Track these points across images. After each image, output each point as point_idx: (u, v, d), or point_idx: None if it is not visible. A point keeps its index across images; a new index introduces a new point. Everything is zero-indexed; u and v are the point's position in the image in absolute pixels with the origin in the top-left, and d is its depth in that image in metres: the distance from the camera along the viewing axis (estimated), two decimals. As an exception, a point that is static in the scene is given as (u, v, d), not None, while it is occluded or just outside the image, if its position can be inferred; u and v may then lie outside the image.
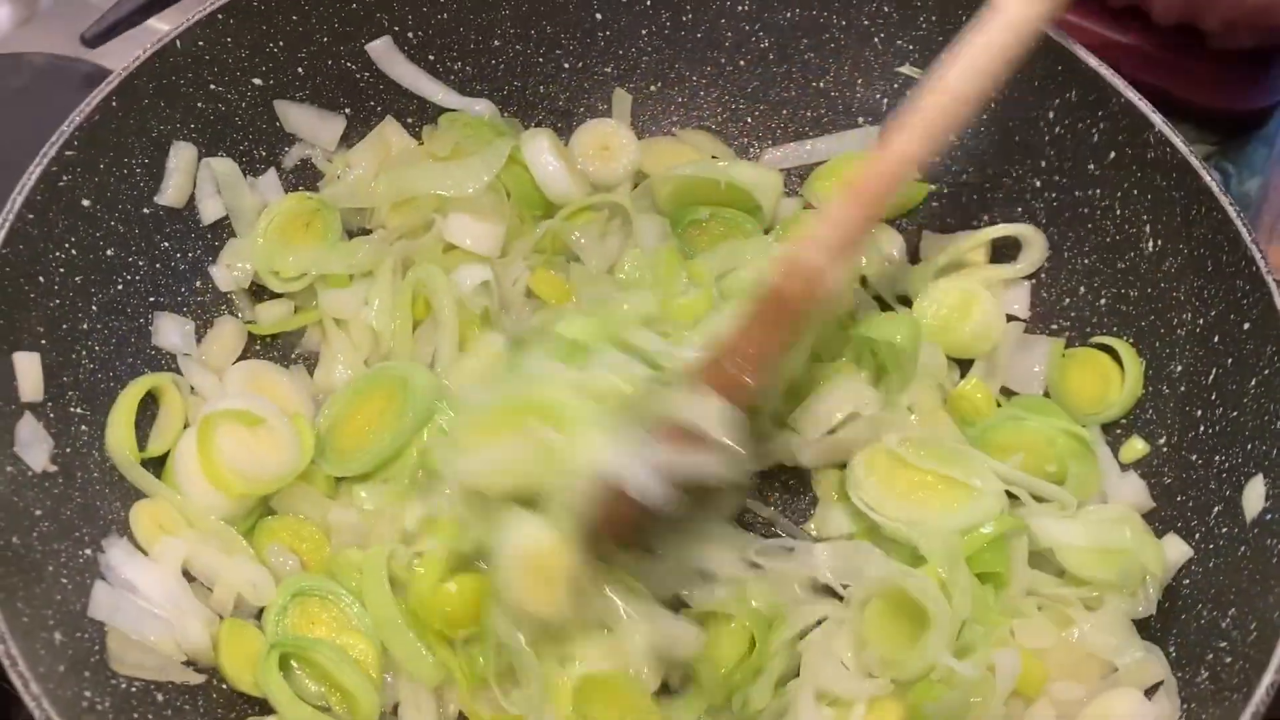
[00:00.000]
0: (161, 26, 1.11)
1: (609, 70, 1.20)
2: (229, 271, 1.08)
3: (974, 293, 1.07)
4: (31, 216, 0.93)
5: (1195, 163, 0.98)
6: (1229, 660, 0.84)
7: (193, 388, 1.04)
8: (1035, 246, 1.10)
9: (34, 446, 0.90)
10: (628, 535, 0.90)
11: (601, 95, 1.21)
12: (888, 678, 0.88)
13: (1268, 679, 0.78)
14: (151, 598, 0.91)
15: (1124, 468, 1.02)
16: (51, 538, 0.88)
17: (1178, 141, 0.99)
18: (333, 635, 0.94)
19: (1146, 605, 0.93)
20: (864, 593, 0.93)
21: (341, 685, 0.91)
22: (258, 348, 1.10)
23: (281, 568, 0.97)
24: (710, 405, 0.87)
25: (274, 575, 0.96)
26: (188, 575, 0.95)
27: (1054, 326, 1.10)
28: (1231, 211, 0.95)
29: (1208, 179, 0.97)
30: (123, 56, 1.00)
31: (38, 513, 0.88)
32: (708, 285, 1.05)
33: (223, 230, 1.10)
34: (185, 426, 1.01)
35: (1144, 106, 1.01)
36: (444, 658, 0.92)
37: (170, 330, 1.04)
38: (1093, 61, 1.04)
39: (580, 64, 1.19)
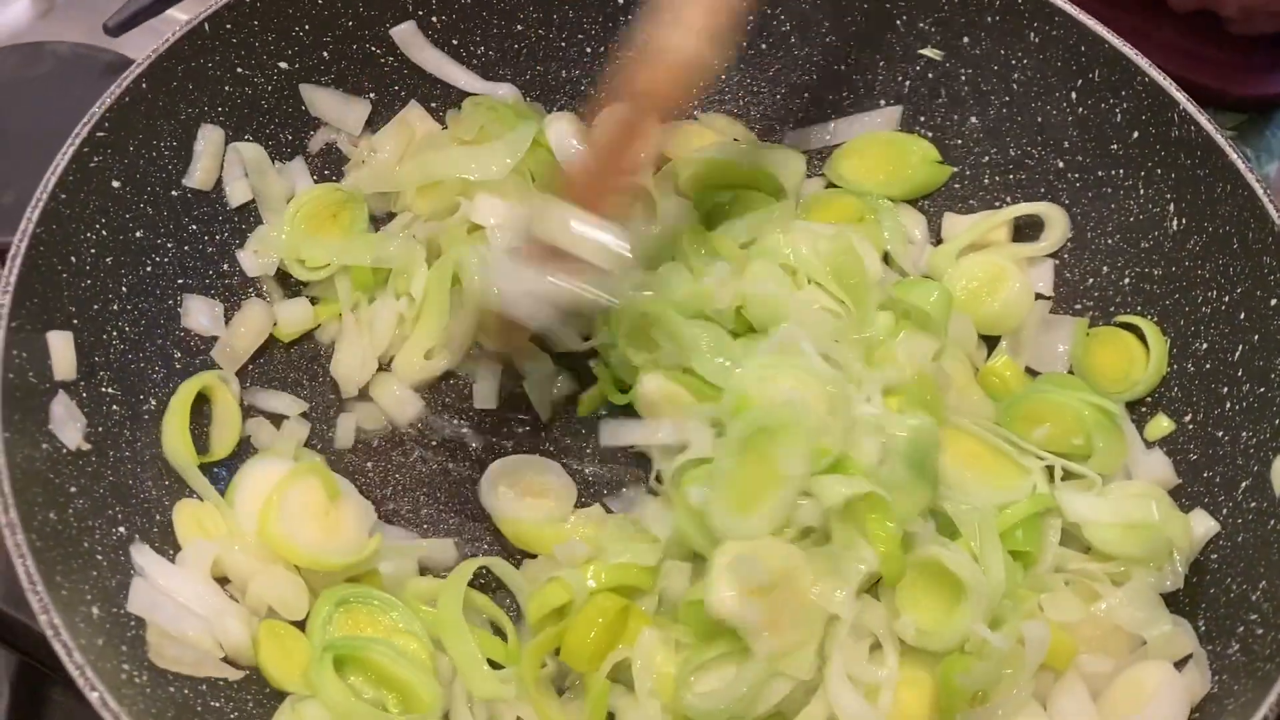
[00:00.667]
0: (181, 16, 1.12)
1: (631, 54, 1.21)
2: (256, 257, 1.09)
3: (1003, 268, 1.08)
4: (64, 196, 0.93)
5: (1220, 140, 0.98)
6: (1260, 632, 0.84)
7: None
8: (1058, 224, 1.10)
9: (68, 425, 0.91)
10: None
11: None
12: (923, 647, 0.88)
13: (1301, 647, 0.78)
14: (186, 597, 0.90)
15: (1149, 445, 1.02)
16: (86, 514, 0.89)
17: (1202, 119, 0.99)
18: (385, 637, 0.93)
19: (1174, 580, 0.93)
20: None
21: (400, 680, 0.89)
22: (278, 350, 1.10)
23: (317, 581, 0.95)
24: (585, 225, 0.86)
25: (310, 589, 0.95)
26: (221, 579, 0.94)
27: (1078, 306, 1.11)
28: (1258, 189, 0.96)
29: (1233, 156, 0.97)
30: (144, 46, 1.01)
31: (72, 490, 0.89)
32: (733, 256, 1.05)
33: (250, 214, 1.10)
34: (243, 423, 1.03)
35: (1168, 85, 1.02)
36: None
37: (199, 312, 1.05)
38: (1116, 41, 1.04)
39: (602, 48, 1.20)
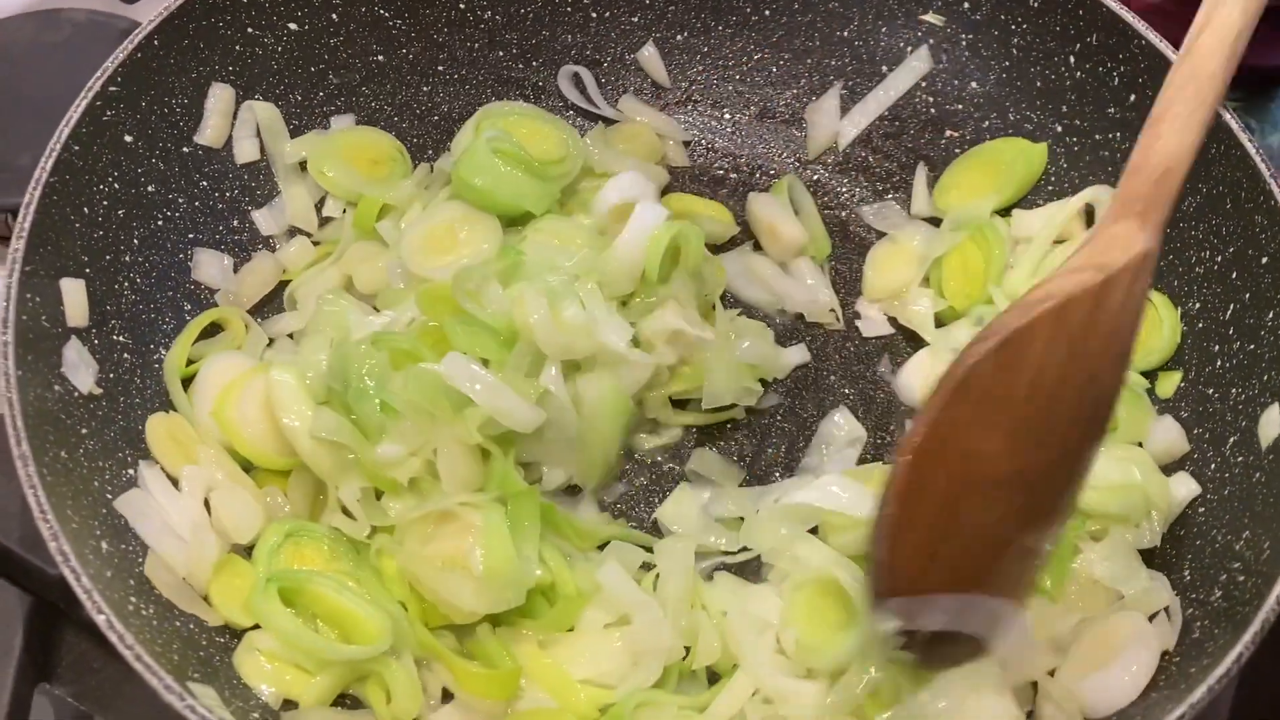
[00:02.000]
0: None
1: (635, 20, 1.22)
2: (270, 214, 1.12)
3: None
4: (77, 148, 0.96)
5: (1215, 101, 0.99)
6: (1241, 579, 0.86)
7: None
8: None
9: (80, 369, 0.93)
10: None
11: (628, 44, 1.23)
12: (803, 663, 0.90)
13: (1278, 589, 0.79)
14: (173, 518, 0.92)
15: (1163, 402, 1.02)
16: (97, 455, 0.92)
17: (1198, 81, 1.00)
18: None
19: (1151, 537, 0.94)
20: (799, 578, 0.95)
21: (345, 613, 0.89)
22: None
23: (278, 510, 0.97)
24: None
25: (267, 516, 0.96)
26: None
27: (1074, 268, 1.12)
28: (1251, 149, 0.96)
29: (1226, 116, 0.98)
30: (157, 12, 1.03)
31: (83, 431, 0.92)
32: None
33: (259, 172, 1.13)
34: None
35: (1164, 48, 1.02)
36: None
37: (209, 264, 1.08)
38: (1114, 5, 1.05)
39: (607, 13, 1.21)
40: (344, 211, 1.14)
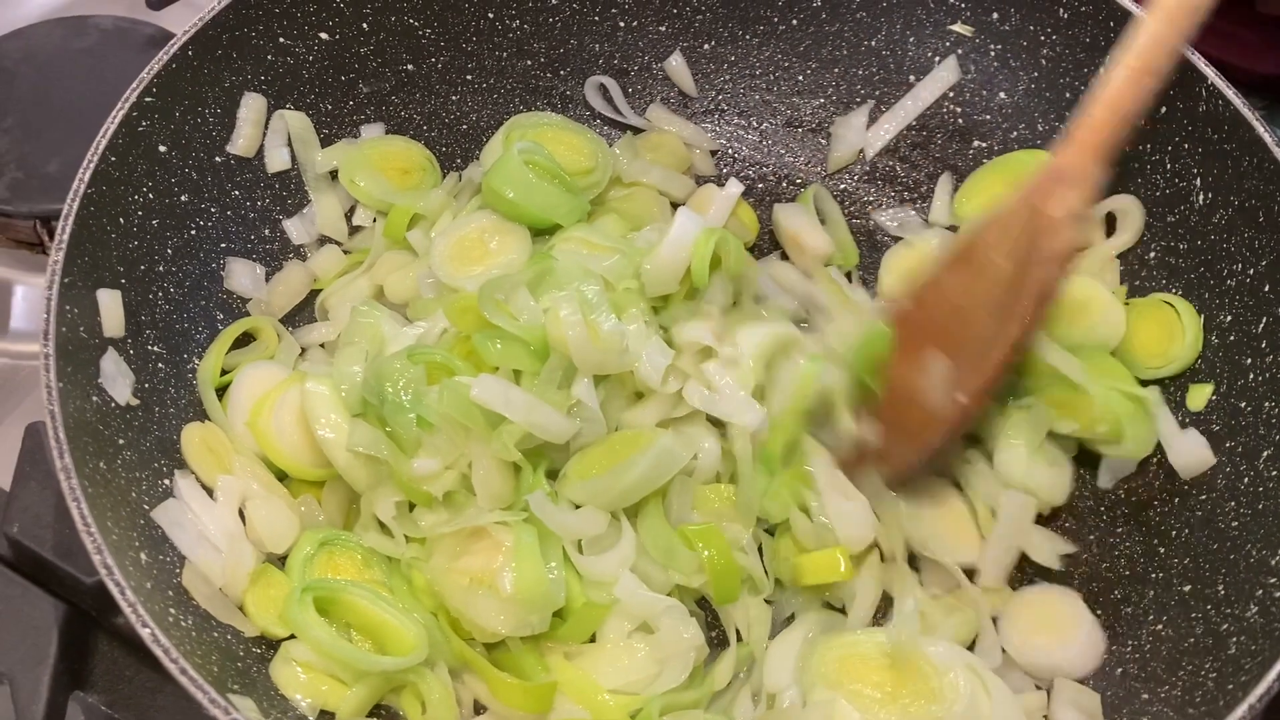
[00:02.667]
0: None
1: (663, 29, 1.23)
2: (301, 223, 1.13)
3: (1091, 295, 1.06)
4: (114, 159, 0.96)
5: (1248, 114, 0.99)
6: (1278, 595, 0.86)
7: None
8: (1134, 216, 1.09)
9: (118, 381, 0.94)
10: None
11: (655, 54, 1.24)
12: None
13: (1318, 607, 0.79)
14: (209, 528, 0.92)
15: (1194, 415, 1.02)
16: (134, 466, 0.92)
17: (1230, 94, 1.00)
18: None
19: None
20: None
21: (380, 623, 0.90)
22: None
23: (312, 519, 0.98)
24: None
25: (301, 526, 0.96)
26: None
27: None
28: (1283, 162, 0.97)
29: (1260, 130, 0.98)
30: (184, 19, 1.04)
31: (120, 442, 0.92)
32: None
33: (290, 181, 1.13)
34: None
35: (1196, 60, 1.02)
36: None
37: (242, 274, 1.08)
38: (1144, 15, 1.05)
39: (635, 23, 1.22)
40: (374, 220, 1.15)
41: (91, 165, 0.94)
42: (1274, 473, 0.93)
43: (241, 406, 1.00)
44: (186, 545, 0.91)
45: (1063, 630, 0.98)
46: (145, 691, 1.00)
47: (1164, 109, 1.06)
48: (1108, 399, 1.00)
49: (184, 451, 0.97)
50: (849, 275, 1.19)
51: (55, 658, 0.97)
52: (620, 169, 1.18)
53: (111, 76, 1.05)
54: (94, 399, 0.91)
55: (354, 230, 1.15)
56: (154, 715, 0.99)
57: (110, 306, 0.95)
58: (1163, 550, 1.00)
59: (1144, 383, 1.04)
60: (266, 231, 1.12)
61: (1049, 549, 1.01)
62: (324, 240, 1.14)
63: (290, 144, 1.12)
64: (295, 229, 1.13)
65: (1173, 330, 1.05)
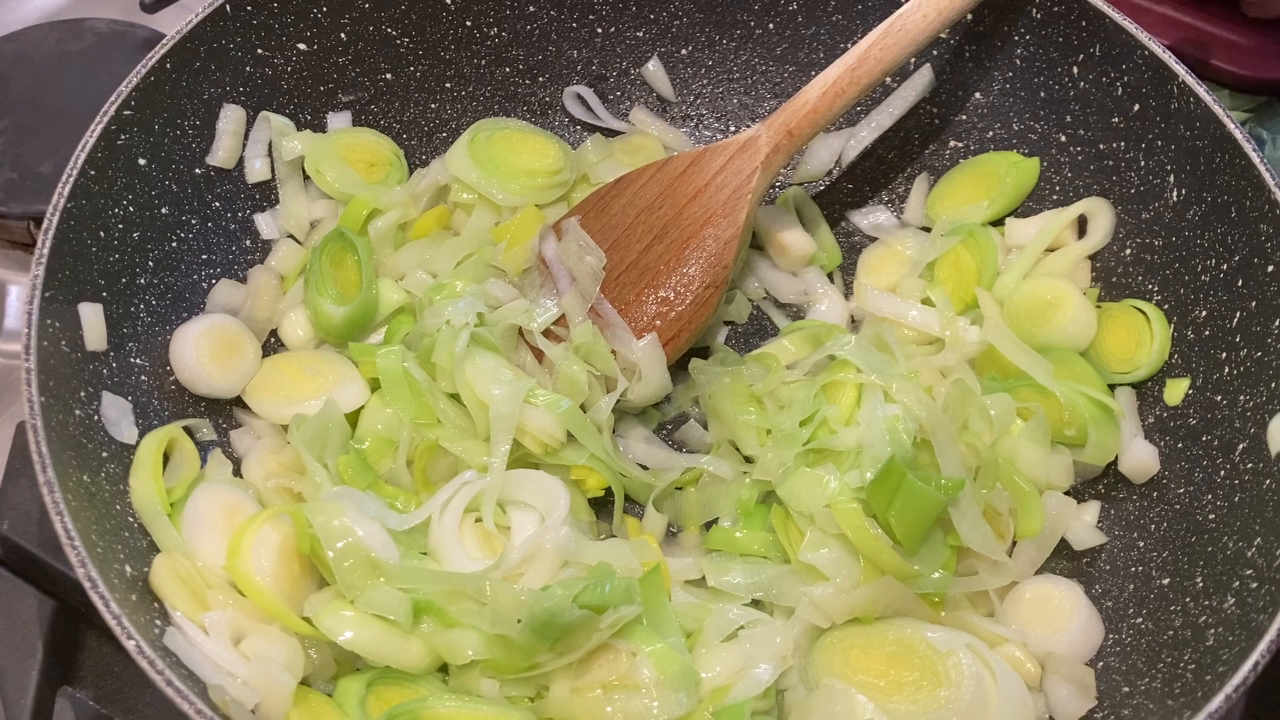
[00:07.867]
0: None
1: (641, 34, 1.23)
2: (272, 219, 1.13)
3: (1062, 294, 1.07)
4: (93, 173, 0.96)
5: (1219, 111, 1.00)
6: (1255, 585, 0.87)
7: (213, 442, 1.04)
8: (1104, 218, 1.10)
9: (121, 424, 0.95)
10: None
11: (634, 59, 1.24)
12: None
13: (1293, 597, 0.80)
14: (220, 659, 0.84)
15: (1171, 409, 1.03)
16: (118, 479, 0.92)
17: (1201, 91, 1.01)
18: None
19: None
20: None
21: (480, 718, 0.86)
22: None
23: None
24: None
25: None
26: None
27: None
28: (1255, 158, 0.97)
29: (1231, 127, 0.99)
30: (178, 22, 1.04)
31: (104, 455, 0.92)
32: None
33: (271, 191, 1.13)
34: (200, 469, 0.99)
35: (1168, 58, 1.03)
36: None
37: (229, 295, 1.09)
38: (1117, 16, 1.06)
39: (613, 29, 1.23)
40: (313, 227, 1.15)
41: (71, 179, 0.94)
42: (1249, 465, 0.94)
43: (202, 534, 0.91)
44: (208, 674, 0.82)
45: (1061, 619, 0.97)
46: (133, 687, 1.00)
47: (1137, 107, 1.07)
48: (1074, 403, 1.01)
49: (157, 590, 0.87)
50: (830, 276, 1.20)
51: (44, 653, 0.97)
52: (589, 168, 1.19)
53: (107, 79, 1.05)
54: (77, 412, 0.91)
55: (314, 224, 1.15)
56: (142, 710, 0.99)
57: (92, 320, 0.95)
58: (1142, 544, 1.01)
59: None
60: (248, 243, 1.12)
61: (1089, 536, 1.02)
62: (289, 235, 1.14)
63: (270, 154, 1.12)
64: (266, 224, 1.13)
65: (1141, 336, 1.06)
